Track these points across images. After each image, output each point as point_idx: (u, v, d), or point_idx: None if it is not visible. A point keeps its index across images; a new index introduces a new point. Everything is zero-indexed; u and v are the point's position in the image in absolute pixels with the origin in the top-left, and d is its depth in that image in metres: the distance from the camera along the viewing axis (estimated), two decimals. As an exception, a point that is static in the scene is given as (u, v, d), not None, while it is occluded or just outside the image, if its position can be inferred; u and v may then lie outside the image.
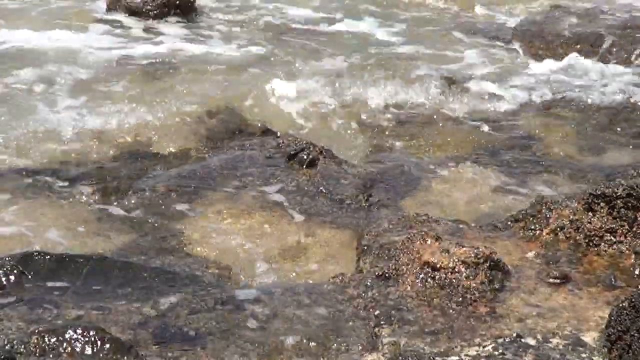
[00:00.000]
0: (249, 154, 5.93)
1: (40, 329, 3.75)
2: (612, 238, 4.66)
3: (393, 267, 4.41)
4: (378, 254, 4.53)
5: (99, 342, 3.64)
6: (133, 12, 8.97)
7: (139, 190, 5.41)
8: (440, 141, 6.38)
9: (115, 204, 5.28)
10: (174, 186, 5.46)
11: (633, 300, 3.77)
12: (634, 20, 8.85)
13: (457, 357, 3.79)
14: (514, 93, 7.43)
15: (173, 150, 6.04)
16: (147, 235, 4.90)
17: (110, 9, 9.06)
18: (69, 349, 3.62)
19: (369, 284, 4.35)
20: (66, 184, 5.50)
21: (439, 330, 3.99)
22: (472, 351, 3.84)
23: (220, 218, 5.12)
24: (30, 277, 4.34)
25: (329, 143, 6.18)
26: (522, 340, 3.90)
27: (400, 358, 3.78)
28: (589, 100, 7.14)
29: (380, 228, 4.96)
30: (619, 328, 3.74)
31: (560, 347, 3.89)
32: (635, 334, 3.68)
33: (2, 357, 3.51)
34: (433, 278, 4.31)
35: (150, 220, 5.07)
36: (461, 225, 5.00)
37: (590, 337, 3.96)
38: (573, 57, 8.20)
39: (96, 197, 5.34)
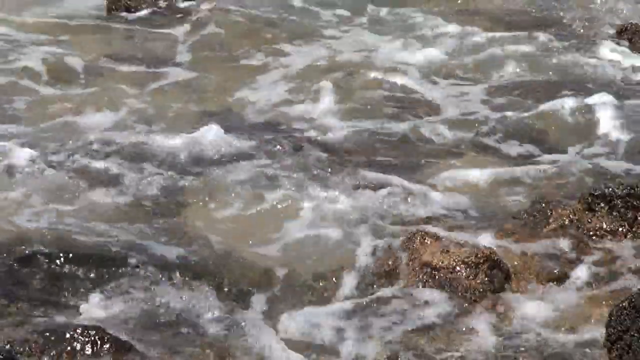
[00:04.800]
0: (252, 148, 5.95)
1: (40, 329, 3.75)
2: (612, 238, 4.66)
3: (393, 266, 4.42)
4: (378, 252, 4.55)
5: (99, 342, 3.64)
6: (133, 11, 8.97)
7: (142, 182, 5.45)
8: (439, 135, 6.36)
9: (116, 196, 5.33)
10: (178, 179, 5.52)
11: (633, 300, 3.77)
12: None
13: (458, 357, 3.80)
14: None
15: (176, 145, 6.08)
16: (149, 228, 4.94)
17: (110, 8, 9.06)
18: (69, 349, 3.63)
19: (369, 282, 4.36)
20: (67, 174, 5.54)
21: (440, 329, 4.00)
22: (473, 350, 3.84)
23: (224, 210, 5.16)
24: (30, 277, 4.35)
25: (332, 136, 6.18)
26: (522, 339, 3.90)
27: (400, 355, 3.79)
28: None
29: (380, 226, 4.96)
30: (619, 328, 3.74)
31: (560, 346, 3.90)
32: (635, 334, 3.68)
33: (2, 357, 3.51)
34: (433, 278, 4.32)
35: (153, 212, 5.12)
36: (461, 225, 4.99)
37: (590, 337, 3.96)
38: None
39: (97, 190, 5.39)
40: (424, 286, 4.28)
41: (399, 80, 7.15)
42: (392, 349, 3.87)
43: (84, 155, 5.84)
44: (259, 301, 4.27)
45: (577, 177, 5.66)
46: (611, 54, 7.72)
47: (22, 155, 5.76)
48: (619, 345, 3.73)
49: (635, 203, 4.66)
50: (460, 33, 8.30)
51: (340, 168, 5.79)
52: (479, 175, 5.67)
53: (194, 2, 9.14)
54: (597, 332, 3.97)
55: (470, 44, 8.05)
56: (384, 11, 9.00)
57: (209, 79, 7.24)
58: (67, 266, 4.47)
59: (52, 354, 3.61)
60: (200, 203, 5.28)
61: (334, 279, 4.47)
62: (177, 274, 4.44)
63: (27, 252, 4.56)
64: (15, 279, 4.36)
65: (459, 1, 9.24)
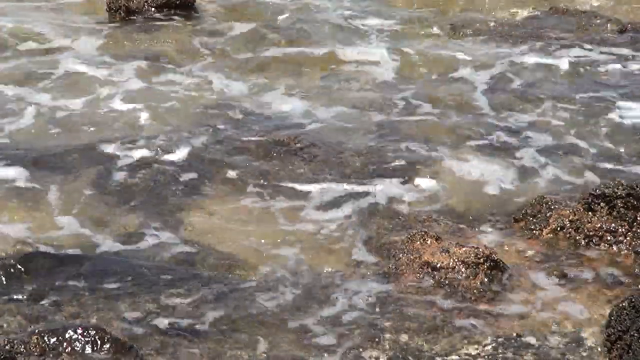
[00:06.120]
0: (250, 146, 5.96)
1: (40, 329, 3.75)
2: (612, 238, 4.67)
3: (393, 265, 4.42)
4: (378, 252, 4.55)
5: (99, 342, 3.64)
6: (133, 11, 8.98)
7: (139, 179, 5.48)
8: (439, 132, 6.36)
9: (115, 191, 5.34)
10: (176, 175, 5.55)
11: (633, 300, 3.78)
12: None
13: (458, 356, 3.80)
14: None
15: (174, 140, 6.10)
16: (148, 225, 4.97)
17: (110, 8, 9.06)
18: (69, 349, 3.63)
19: (369, 282, 4.36)
20: (62, 170, 5.56)
21: (440, 329, 4.00)
22: (473, 350, 3.84)
23: (220, 208, 5.17)
24: (30, 277, 4.35)
25: (329, 136, 6.20)
26: (522, 339, 3.90)
27: (401, 355, 3.79)
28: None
29: (380, 226, 4.97)
30: (619, 328, 3.75)
31: (560, 346, 3.90)
32: (635, 334, 3.68)
33: (2, 357, 3.51)
34: (433, 278, 4.32)
35: (154, 212, 5.13)
36: (461, 225, 5.00)
37: (590, 336, 3.97)
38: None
39: (96, 185, 5.41)
40: (423, 286, 4.29)
41: (394, 81, 7.19)
42: (391, 349, 3.87)
43: (79, 154, 5.87)
44: (258, 301, 4.27)
45: (577, 177, 5.67)
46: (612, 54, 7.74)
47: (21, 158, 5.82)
48: (619, 345, 3.74)
49: (635, 203, 4.67)
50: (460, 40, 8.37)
51: (338, 167, 5.80)
52: (478, 175, 5.67)
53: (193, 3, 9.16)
54: (597, 332, 3.98)
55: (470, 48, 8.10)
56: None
57: (209, 78, 7.26)
58: (67, 266, 4.48)
59: (52, 354, 3.61)
60: (201, 203, 5.29)
61: (333, 279, 4.47)
62: (177, 274, 4.45)
63: (26, 251, 4.57)
64: (15, 278, 4.36)
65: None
